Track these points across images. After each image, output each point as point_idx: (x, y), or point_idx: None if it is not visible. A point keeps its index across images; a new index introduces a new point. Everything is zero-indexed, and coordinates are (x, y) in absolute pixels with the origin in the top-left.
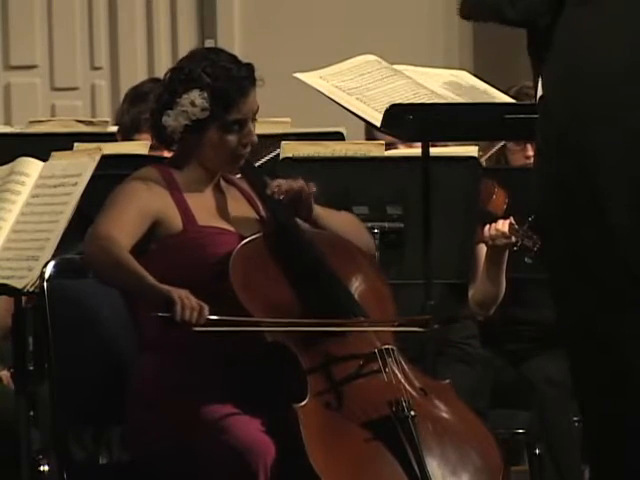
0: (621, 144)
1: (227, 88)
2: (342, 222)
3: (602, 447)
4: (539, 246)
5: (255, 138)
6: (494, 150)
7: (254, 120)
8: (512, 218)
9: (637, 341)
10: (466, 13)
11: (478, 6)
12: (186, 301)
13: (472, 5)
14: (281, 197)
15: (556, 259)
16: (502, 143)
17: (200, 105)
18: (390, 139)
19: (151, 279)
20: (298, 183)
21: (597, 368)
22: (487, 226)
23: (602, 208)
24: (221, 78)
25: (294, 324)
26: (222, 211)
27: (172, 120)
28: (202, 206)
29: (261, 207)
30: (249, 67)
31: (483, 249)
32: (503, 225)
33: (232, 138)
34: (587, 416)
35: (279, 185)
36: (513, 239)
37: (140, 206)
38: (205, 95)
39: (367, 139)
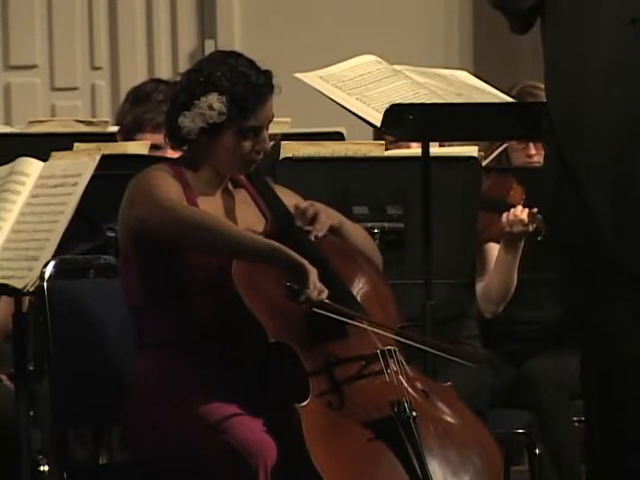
0: (605, 155)
1: (246, 94)
2: (359, 236)
3: (602, 446)
4: None
5: (268, 145)
6: (495, 154)
7: (268, 127)
8: (535, 209)
9: (624, 337)
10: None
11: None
12: (312, 277)
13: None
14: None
15: (554, 254)
16: (503, 147)
17: (218, 109)
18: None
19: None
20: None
21: (589, 362)
22: (505, 213)
23: (588, 205)
24: (240, 84)
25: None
26: (230, 213)
27: (189, 121)
28: (210, 207)
29: (266, 210)
30: (268, 74)
31: (493, 247)
32: (522, 212)
33: (247, 144)
34: (587, 414)
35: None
36: (531, 228)
37: (173, 184)
38: (224, 99)
39: (375, 139)
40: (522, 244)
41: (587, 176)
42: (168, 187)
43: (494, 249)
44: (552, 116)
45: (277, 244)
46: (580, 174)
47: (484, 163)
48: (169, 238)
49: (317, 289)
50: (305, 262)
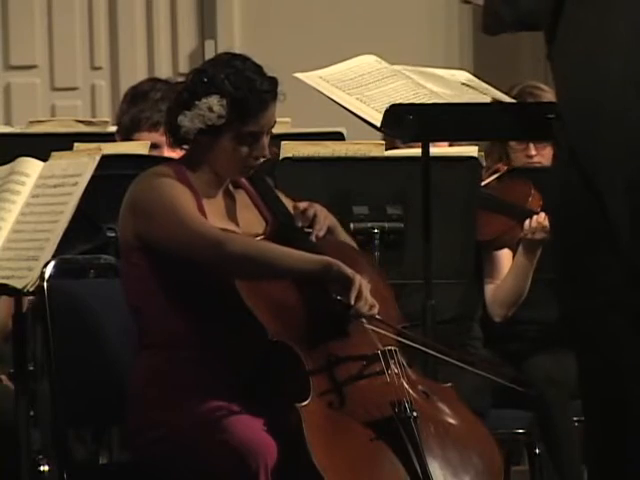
0: (623, 156)
1: (247, 99)
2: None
3: (601, 447)
4: None
5: (267, 152)
6: (494, 178)
7: (269, 134)
8: None
9: (619, 343)
10: (486, 29)
11: (488, 19)
12: (364, 291)
13: (485, 20)
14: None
15: (555, 257)
16: (501, 173)
17: (217, 111)
18: None
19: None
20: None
21: (588, 363)
22: (527, 220)
23: (605, 207)
24: (243, 88)
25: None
26: (231, 214)
27: (187, 121)
28: (212, 208)
29: (267, 212)
30: (272, 81)
31: (507, 252)
32: (544, 219)
33: (244, 149)
34: (586, 416)
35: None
36: None
37: (188, 197)
38: (224, 102)
39: (383, 138)
40: (540, 251)
41: (606, 179)
42: (185, 198)
43: (507, 254)
44: (565, 118)
45: (328, 259)
46: (598, 177)
47: (483, 183)
48: (213, 269)
49: (369, 304)
50: (358, 276)
